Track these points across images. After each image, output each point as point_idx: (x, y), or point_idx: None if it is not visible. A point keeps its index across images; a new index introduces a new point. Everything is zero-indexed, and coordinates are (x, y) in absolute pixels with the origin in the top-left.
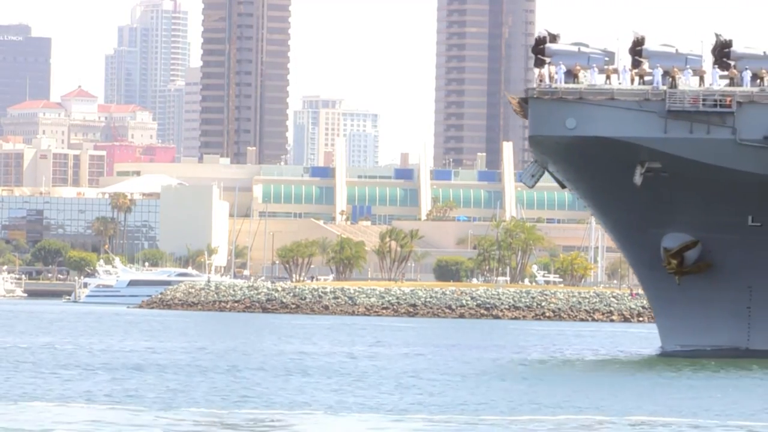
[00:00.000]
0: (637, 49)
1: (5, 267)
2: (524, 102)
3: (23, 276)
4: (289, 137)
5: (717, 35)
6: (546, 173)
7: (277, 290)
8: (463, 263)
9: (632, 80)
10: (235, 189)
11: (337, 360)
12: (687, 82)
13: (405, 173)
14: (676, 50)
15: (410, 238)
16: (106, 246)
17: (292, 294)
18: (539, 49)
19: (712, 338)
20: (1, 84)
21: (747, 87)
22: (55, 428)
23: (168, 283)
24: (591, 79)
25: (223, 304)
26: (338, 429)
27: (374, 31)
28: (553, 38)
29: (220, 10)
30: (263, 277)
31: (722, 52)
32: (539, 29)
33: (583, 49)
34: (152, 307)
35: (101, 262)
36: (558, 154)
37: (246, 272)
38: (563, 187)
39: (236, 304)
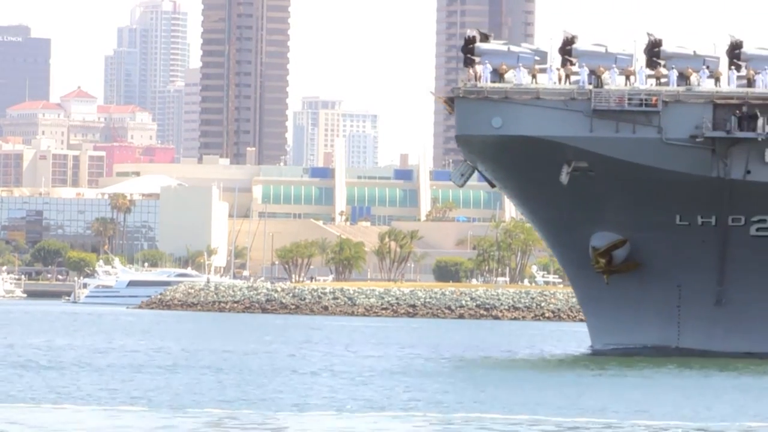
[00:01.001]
0: (566, 48)
1: (5, 267)
2: (451, 101)
3: (23, 276)
4: (289, 138)
5: (649, 35)
6: (476, 172)
7: (276, 291)
8: (463, 264)
9: (560, 79)
10: (235, 189)
11: (254, 357)
12: (614, 82)
13: (404, 174)
14: (606, 50)
15: (410, 238)
16: (106, 246)
17: (291, 294)
18: (468, 49)
19: (642, 337)
20: (0, 84)
21: (673, 86)
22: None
23: (167, 283)
24: (517, 78)
25: (222, 304)
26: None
27: (374, 31)
28: (485, 38)
29: (219, 10)
30: (263, 278)
31: (653, 52)
32: (469, 30)
33: (512, 48)
34: (152, 308)
35: (101, 262)
36: (485, 154)
37: (245, 273)
38: (493, 186)
39: (236, 305)
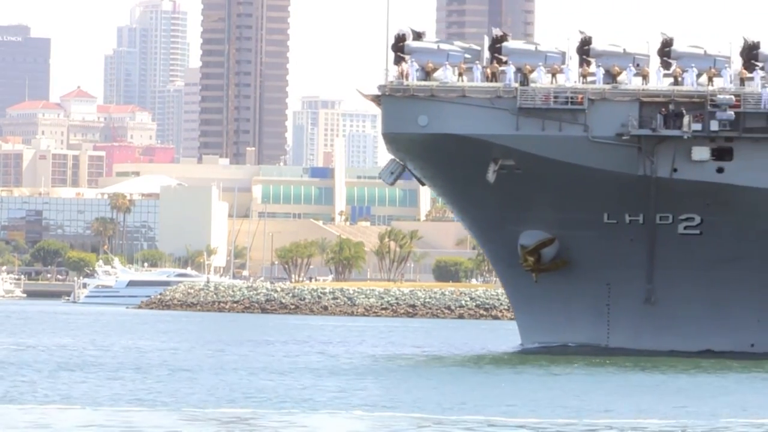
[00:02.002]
0: (496, 46)
1: (4, 267)
2: (378, 99)
3: (22, 276)
4: (289, 138)
5: (581, 32)
6: (406, 170)
7: (276, 291)
8: (463, 264)
9: (488, 77)
10: (235, 189)
11: (115, 355)
12: (540, 80)
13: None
14: (536, 48)
15: (409, 238)
16: (106, 246)
17: (291, 294)
18: (398, 47)
19: (571, 335)
20: (0, 84)
21: (600, 84)
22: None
23: (167, 283)
24: (444, 76)
25: (222, 304)
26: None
27: (373, 31)
28: (418, 36)
29: (219, 10)
30: (262, 278)
31: (583, 50)
32: (400, 28)
33: (442, 46)
34: (151, 308)
35: (100, 262)
36: (412, 152)
37: (245, 273)
38: (423, 184)
39: (235, 305)
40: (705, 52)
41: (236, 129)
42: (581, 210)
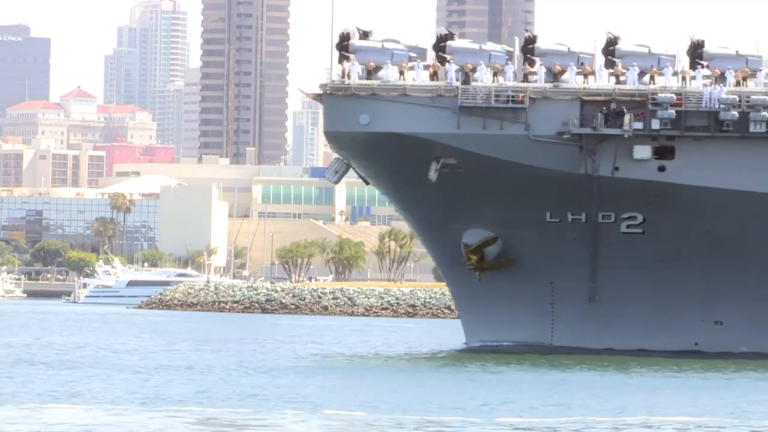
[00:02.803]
0: (440, 45)
1: (5, 267)
2: (320, 98)
3: (22, 276)
4: (289, 138)
5: (526, 31)
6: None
7: (276, 291)
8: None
9: (431, 76)
10: (235, 189)
11: (86, 353)
12: (482, 79)
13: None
14: (480, 47)
15: (409, 238)
16: (106, 246)
17: (291, 294)
18: (343, 46)
19: (515, 334)
20: (0, 84)
21: (541, 83)
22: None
23: (167, 283)
24: (385, 75)
25: (222, 304)
26: None
27: (373, 31)
28: (365, 35)
29: (219, 10)
30: (262, 278)
31: (527, 48)
32: (345, 26)
33: (387, 45)
34: (151, 308)
35: (100, 262)
36: (354, 150)
37: (245, 273)
38: (367, 183)
39: (235, 305)
40: (649, 50)
41: (236, 129)
42: (524, 209)
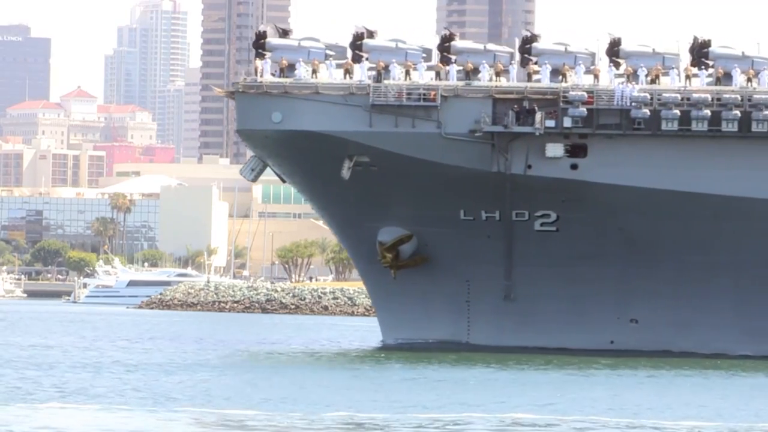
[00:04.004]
0: (357, 43)
1: (5, 267)
2: (233, 96)
3: (23, 276)
4: None
5: (446, 29)
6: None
7: (276, 291)
8: None
9: (346, 73)
10: (235, 189)
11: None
12: (395, 77)
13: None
14: (396, 45)
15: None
16: (106, 246)
17: (291, 294)
18: (259, 44)
19: (432, 332)
20: (0, 84)
21: (453, 81)
22: None
23: (167, 283)
24: (298, 73)
25: (222, 304)
26: None
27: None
28: (285, 33)
29: (219, 10)
30: (262, 278)
31: (443, 47)
32: (262, 25)
33: (304, 43)
34: (151, 308)
35: (101, 262)
36: (267, 148)
37: (245, 273)
38: (284, 181)
39: (236, 305)
40: (566, 49)
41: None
42: (437, 207)
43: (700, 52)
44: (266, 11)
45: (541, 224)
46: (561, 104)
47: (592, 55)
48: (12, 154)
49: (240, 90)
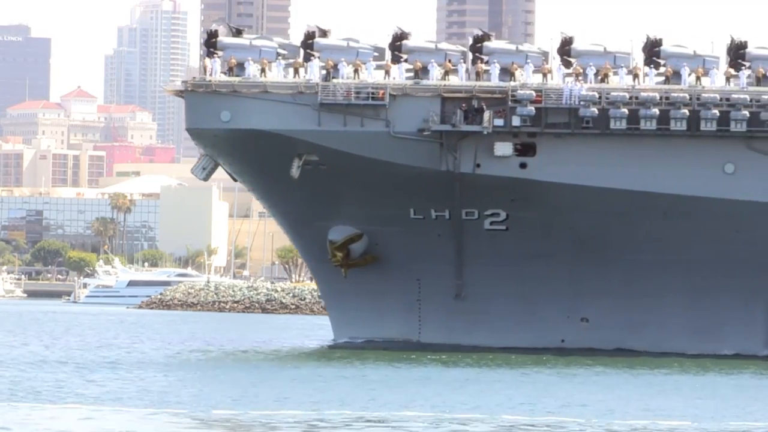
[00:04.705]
0: (308, 42)
1: (5, 267)
2: (181, 95)
3: (23, 276)
4: None
5: (398, 28)
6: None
7: (276, 291)
8: None
9: (295, 72)
10: (235, 189)
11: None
12: (344, 75)
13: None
14: (348, 44)
15: None
16: (106, 246)
17: (291, 294)
18: (211, 43)
19: (383, 331)
20: (0, 84)
21: (402, 80)
22: None
23: (167, 283)
24: (247, 72)
25: (222, 304)
26: None
27: (373, 31)
28: (238, 32)
29: (219, 10)
30: (263, 278)
31: (395, 46)
32: (214, 24)
33: (255, 42)
34: (152, 308)
35: (101, 262)
36: (217, 147)
37: (245, 273)
38: (235, 180)
39: (236, 305)
40: (517, 48)
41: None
42: (387, 205)
43: (651, 51)
44: (266, 11)
45: (491, 223)
46: (510, 103)
47: (545, 54)
48: (12, 154)
49: (189, 89)
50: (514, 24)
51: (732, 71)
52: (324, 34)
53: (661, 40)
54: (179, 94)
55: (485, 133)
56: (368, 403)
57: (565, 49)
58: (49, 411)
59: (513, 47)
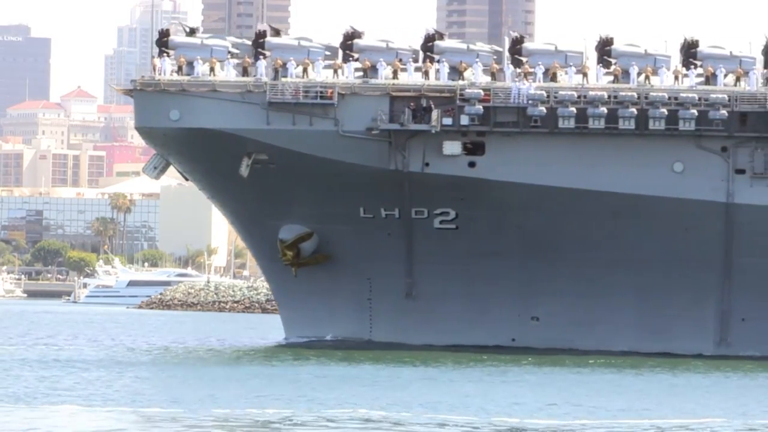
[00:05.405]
0: (260, 41)
1: (5, 267)
2: (131, 93)
3: (23, 276)
4: None
5: (351, 27)
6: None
7: None
8: None
9: (244, 71)
10: None
11: None
12: (292, 74)
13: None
14: (299, 43)
15: None
16: (106, 246)
17: None
18: (163, 42)
19: (334, 329)
20: (0, 84)
21: (351, 79)
22: None
23: (167, 283)
24: (196, 71)
25: (222, 304)
26: None
27: (373, 31)
28: (192, 32)
29: (219, 10)
30: (263, 278)
31: (346, 45)
32: (170, 23)
33: (206, 42)
34: (152, 308)
35: (101, 262)
36: (167, 146)
37: (245, 273)
38: (186, 179)
39: (236, 305)
40: (468, 47)
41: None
42: (337, 204)
43: (603, 50)
44: (266, 11)
45: (441, 222)
46: (458, 102)
47: (498, 53)
48: (12, 154)
49: (138, 88)
50: (514, 24)
51: (684, 70)
52: (277, 33)
53: (612, 39)
54: (129, 93)
55: (434, 132)
56: (298, 401)
57: (517, 48)
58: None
59: (464, 46)
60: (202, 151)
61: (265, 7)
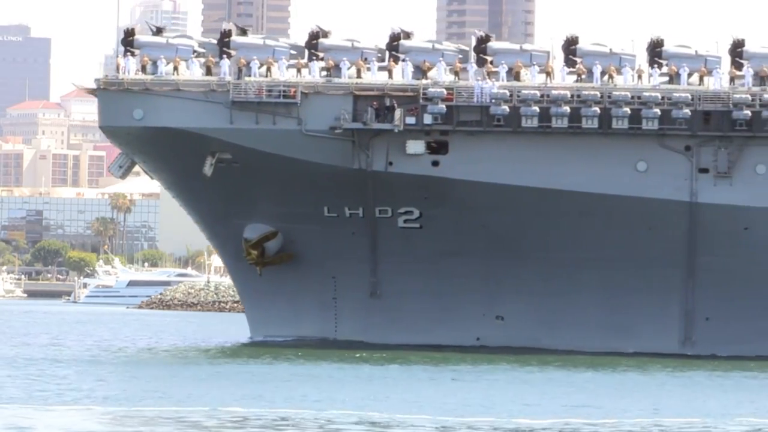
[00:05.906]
0: (225, 41)
1: (5, 267)
2: (95, 93)
3: (23, 276)
4: None
5: (318, 27)
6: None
7: None
8: None
9: (208, 70)
10: None
11: None
12: (255, 73)
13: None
14: (264, 42)
15: None
16: (106, 246)
17: None
18: (128, 41)
19: (299, 329)
20: (0, 84)
21: (315, 77)
22: None
23: (167, 283)
24: (159, 70)
25: (222, 304)
26: None
27: (373, 31)
28: (159, 31)
29: (219, 10)
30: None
31: (311, 44)
32: (139, 24)
33: (172, 41)
34: (152, 308)
35: (101, 262)
36: (131, 145)
37: None
38: (152, 178)
39: (236, 305)
40: (433, 46)
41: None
42: (301, 203)
43: (568, 49)
44: (266, 11)
45: (405, 221)
46: (421, 101)
47: (463, 52)
48: (12, 154)
49: (101, 87)
50: (514, 24)
51: (648, 69)
52: (243, 32)
53: (577, 38)
54: (92, 92)
55: (397, 131)
56: (252, 400)
57: (482, 47)
58: None
59: (429, 45)
60: (165, 150)
61: (265, 7)
